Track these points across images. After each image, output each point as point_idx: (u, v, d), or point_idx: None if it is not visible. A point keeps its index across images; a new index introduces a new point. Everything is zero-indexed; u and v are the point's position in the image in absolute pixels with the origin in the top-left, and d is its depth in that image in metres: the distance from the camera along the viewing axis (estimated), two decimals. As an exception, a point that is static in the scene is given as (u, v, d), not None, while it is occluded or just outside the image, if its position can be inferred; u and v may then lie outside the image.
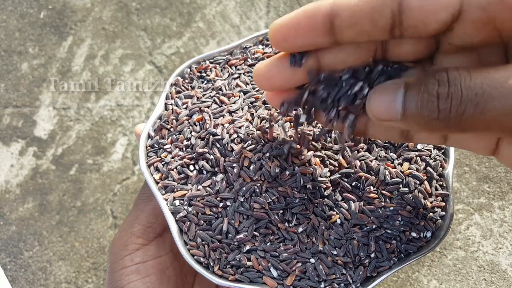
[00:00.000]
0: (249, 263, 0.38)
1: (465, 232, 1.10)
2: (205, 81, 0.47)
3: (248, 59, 0.47)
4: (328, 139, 0.41)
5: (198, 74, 0.47)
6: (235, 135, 0.40)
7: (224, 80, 0.46)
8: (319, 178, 0.40)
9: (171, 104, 0.45)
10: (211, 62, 0.48)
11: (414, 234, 0.39)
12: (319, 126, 0.42)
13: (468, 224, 1.10)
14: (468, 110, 0.25)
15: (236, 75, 0.46)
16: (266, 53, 0.47)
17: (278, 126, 0.41)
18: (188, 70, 0.48)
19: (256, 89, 0.45)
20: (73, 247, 1.14)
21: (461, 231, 1.10)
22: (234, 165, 0.39)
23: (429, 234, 0.40)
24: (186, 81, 0.47)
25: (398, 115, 0.28)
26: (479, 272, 1.07)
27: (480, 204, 1.12)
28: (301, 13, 0.29)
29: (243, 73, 0.46)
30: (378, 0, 0.27)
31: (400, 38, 0.29)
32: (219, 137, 0.40)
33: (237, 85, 0.45)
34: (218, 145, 0.40)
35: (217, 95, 0.44)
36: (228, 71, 0.47)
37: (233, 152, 0.40)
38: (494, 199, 1.12)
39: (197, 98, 0.44)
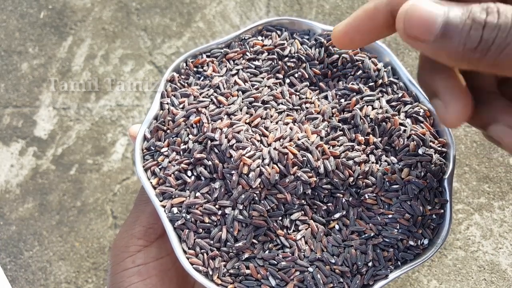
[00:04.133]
0: (247, 271, 0.38)
1: (465, 232, 1.10)
2: (202, 77, 0.45)
3: (247, 53, 0.46)
4: (336, 142, 0.41)
5: (195, 69, 0.46)
6: (233, 141, 0.40)
7: (222, 76, 0.45)
8: (319, 184, 0.40)
9: (167, 103, 0.44)
10: (208, 56, 0.46)
11: (411, 242, 0.39)
12: (327, 130, 0.42)
13: (468, 224, 1.10)
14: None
15: (234, 71, 0.45)
16: (266, 45, 0.46)
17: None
18: (184, 64, 0.46)
19: (255, 87, 0.44)
20: (73, 247, 1.14)
21: (461, 231, 1.10)
22: (233, 172, 0.39)
23: (426, 242, 0.40)
24: (182, 77, 0.46)
25: (432, 35, 0.26)
26: (479, 272, 1.07)
27: (480, 204, 1.12)
28: (362, 15, 0.31)
29: (242, 69, 0.45)
30: None
31: None
32: (217, 142, 0.40)
33: (236, 83, 0.44)
34: (216, 151, 0.40)
35: (215, 94, 0.43)
36: (226, 66, 0.46)
37: (232, 159, 0.39)
38: (494, 199, 1.12)
39: (194, 97, 0.43)
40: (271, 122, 0.42)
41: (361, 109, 0.42)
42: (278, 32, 0.47)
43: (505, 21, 0.25)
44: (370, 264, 0.39)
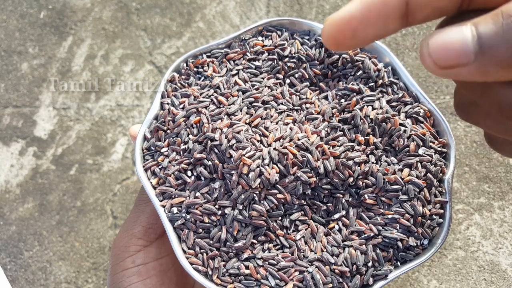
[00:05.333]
0: (247, 271, 0.38)
1: (465, 232, 1.10)
2: (202, 77, 0.45)
3: (247, 53, 0.46)
4: (336, 142, 0.41)
5: (195, 69, 0.46)
6: (233, 141, 0.40)
7: (222, 76, 0.45)
8: (319, 184, 0.40)
9: (167, 104, 0.44)
10: (208, 56, 0.47)
11: (411, 243, 0.39)
12: (327, 130, 0.42)
13: (468, 224, 1.10)
14: None
15: (234, 72, 0.45)
16: (266, 45, 0.46)
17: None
18: (185, 65, 0.46)
19: (256, 87, 0.44)
20: (73, 247, 1.14)
21: (461, 231, 1.10)
22: (233, 172, 0.39)
23: (426, 242, 0.40)
24: (183, 77, 0.46)
25: (471, 54, 0.22)
26: (479, 272, 1.07)
27: (480, 204, 1.12)
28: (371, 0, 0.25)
29: (242, 69, 0.45)
30: None
31: (466, 11, 0.26)
32: (217, 142, 0.40)
33: (236, 83, 0.44)
34: (216, 151, 0.40)
35: (215, 94, 0.43)
36: (226, 66, 0.46)
37: (232, 159, 0.39)
38: (494, 199, 1.12)
39: (194, 97, 0.43)
40: (271, 122, 0.42)
41: (361, 109, 0.42)
42: (279, 32, 0.47)
43: None
44: (369, 264, 0.39)
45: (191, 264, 0.39)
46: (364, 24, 0.25)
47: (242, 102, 0.43)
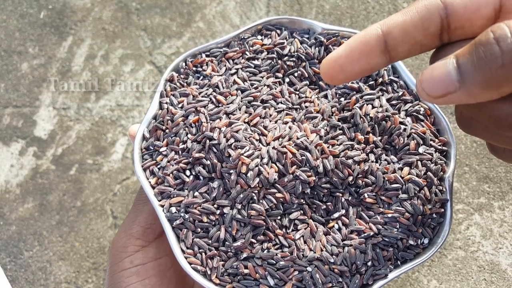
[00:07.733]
0: (246, 271, 0.38)
1: (465, 232, 1.10)
2: (201, 77, 0.45)
3: (247, 52, 0.46)
4: (335, 141, 0.41)
5: (194, 68, 0.46)
6: (232, 140, 0.40)
7: (221, 75, 0.45)
8: (319, 183, 0.40)
9: (166, 103, 0.44)
10: (207, 55, 0.46)
11: (411, 242, 0.39)
12: (326, 129, 0.42)
13: (468, 224, 1.10)
14: None
15: (233, 71, 0.45)
16: (265, 44, 0.46)
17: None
18: (184, 64, 0.46)
19: (255, 86, 0.44)
20: (73, 247, 1.14)
21: (461, 231, 1.10)
22: (231, 171, 0.39)
23: (426, 241, 0.40)
24: (182, 76, 0.46)
25: (456, 83, 0.25)
26: (479, 272, 1.07)
27: (480, 204, 1.12)
28: (353, 41, 0.30)
29: (241, 68, 0.45)
30: (424, 8, 0.29)
31: (449, 42, 0.30)
32: (216, 141, 0.40)
33: (235, 82, 0.44)
34: (214, 150, 0.40)
35: (214, 93, 0.43)
36: (225, 65, 0.46)
37: (230, 158, 0.39)
38: (494, 199, 1.12)
39: (193, 96, 0.43)
40: (270, 121, 0.42)
41: (360, 107, 0.42)
42: (278, 31, 0.47)
43: None
44: (369, 263, 0.39)
45: (190, 263, 0.39)
46: (349, 61, 0.30)
47: (241, 101, 0.43)
